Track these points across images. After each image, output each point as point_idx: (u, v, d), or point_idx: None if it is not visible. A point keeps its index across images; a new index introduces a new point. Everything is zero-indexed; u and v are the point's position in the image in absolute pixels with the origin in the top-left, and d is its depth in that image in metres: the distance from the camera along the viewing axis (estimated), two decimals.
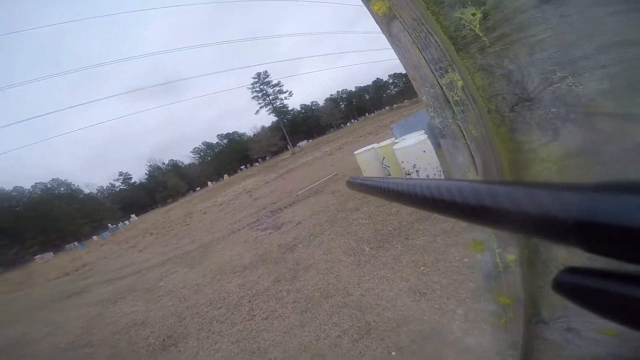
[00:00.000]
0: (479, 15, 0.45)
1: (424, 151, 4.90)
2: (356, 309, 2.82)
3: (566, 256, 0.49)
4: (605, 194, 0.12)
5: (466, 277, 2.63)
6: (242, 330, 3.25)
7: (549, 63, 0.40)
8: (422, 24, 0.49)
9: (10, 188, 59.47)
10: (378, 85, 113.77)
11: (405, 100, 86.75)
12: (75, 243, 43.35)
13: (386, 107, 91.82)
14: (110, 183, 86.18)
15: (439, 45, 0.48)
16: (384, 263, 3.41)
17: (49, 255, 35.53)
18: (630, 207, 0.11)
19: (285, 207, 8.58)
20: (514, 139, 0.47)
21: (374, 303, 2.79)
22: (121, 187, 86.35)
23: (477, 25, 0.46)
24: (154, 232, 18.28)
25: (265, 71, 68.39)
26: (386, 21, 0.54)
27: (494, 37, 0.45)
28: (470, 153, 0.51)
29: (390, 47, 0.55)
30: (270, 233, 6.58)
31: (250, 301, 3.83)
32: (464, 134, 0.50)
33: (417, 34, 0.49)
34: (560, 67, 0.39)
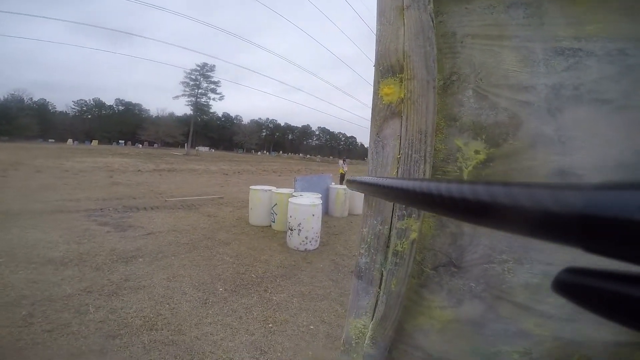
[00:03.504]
0: (482, 156, 0.42)
1: (313, 215, 5.10)
2: (186, 351, 2.47)
3: None
4: (607, 192, 0.12)
5: (307, 345, 2.70)
6: (3, 337, 2.43)
7: (504, 243, 0.40)
8: (425, 143, 0.43)
9: None
10: (305, 131, 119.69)
11: (318, 156, 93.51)
12: None
13: (300, 154, 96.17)
14: None
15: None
16: (234, 310, 3.17)
17: None
18: (631, 207, 0.11)
19: (145, 209, 7.29)
20: (418, 292, 0.48)
21: (209, 350, 2.52)
22: None
23: (470, 167, 0.42)
24: None
25: (213, 65, 64.27)
26: (385, 114, 0.47)
27: None
28: (376, 301, 0.49)
29: (370, 147, 0.51)
30: (109, 232, 5.34)
31: (33, 304, 2.96)
32: (382, 284, 0.48)
33: (410, 153, 0.44)
34: (511, 252, 0.40)
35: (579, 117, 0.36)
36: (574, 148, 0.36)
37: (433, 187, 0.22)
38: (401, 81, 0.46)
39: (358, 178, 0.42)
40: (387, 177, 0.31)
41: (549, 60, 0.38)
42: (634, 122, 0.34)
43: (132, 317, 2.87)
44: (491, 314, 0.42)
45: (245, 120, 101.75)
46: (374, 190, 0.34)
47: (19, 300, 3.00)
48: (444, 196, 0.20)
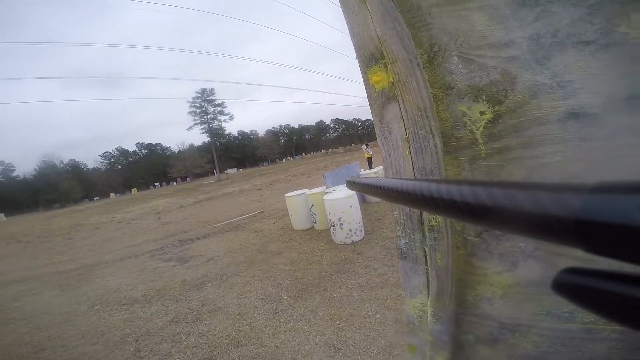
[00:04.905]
0: (488, 115, 0.41)
1: (351, 206, 5.08)
2: None
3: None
4: (606, 193, 0.12)
5: (378, 334, 2.73)
6: None
7: None
8: (427, 118, 0.43)
9: None
10: (320, 127, 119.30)
11: (340, 147, 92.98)
12: None
13: (322, 150, 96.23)
14: None
15: (436, 153, 0.43)
16: (302, 314, 3.30)
17: None
18: (631, 207, 0.11)
19: (198, 239, 7.79)
20: (469, 262, 0.47)
21: (290, 357, 2.66)
22: None
23: (481, 128, 0.42)
24: (23, 240, 15.35)
25: (212, 88, 65.72)
26: (382, 101, 0.48)
27: (493, 149, 0.41)
28: (427, 278, 0.49)
29: (376, 129, 0.51)
30: (174, 265, 5.86)
31: (137, 340, 3.38)
32: (428, 260, 0.48)
33: (416, 131, 0.44)
34: None
35: (568, 62, 0.35)
36: (576, 90, 0.35)
37: (433, 188, 0.22)
38: (386, 66, 0.46)
39: (357, 179, 0.43)
40: (385, 178, 0.32)
41: (517, 14, 0.37)
42: (620, 57, 0.32)
43: (219, 338, 3.14)
44: (552, 272, 0.40)
45: (261, 132, 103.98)
46: (373, 191, 0.34)
47: (124, 338, 3.48)
48: (444, 198, 0.20)
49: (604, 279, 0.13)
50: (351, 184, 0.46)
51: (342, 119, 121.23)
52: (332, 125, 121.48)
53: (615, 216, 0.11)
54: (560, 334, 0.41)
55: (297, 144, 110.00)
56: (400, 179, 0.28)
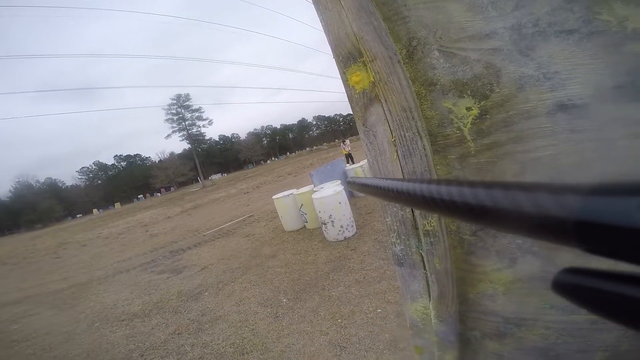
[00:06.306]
0: (475, 111, 0.40)
1: (340, 203, 5.07)
2: None
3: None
4: (606, 194, 0.12)
5: (381, 329, 2.73)
6: None
7: None
8: (413, 119, 0.41)
9: None
10: (302, 125, 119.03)
11: (324, 144, 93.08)
12: None
13: (307, 148, 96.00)
14: None
15: (425, 155, 0.42)
16: (303, 316, 3.29)
17: None
18: (631, 207, 0.11)
19: (189, 248, 7.66)
20: (467, 260, 0.46)
21: None
22: None
23: (469, 125, 0.40)
24: (9, 261, 15.43)
25: (187, 94, 64.12)
26: (364, 102, 0.46)
27: (483, 145, 0.40)
28: (427, 283, 0.48)
29: (361, 133, 0.49)
30: (169, 277, 5.76)
31: (142, 355, 3.34)
32: (426, 265, 0.46)
33: (402, 133, 0.42)
34: None
35: (553, 52, 0.33)
36: (562, 81, 0.34)
37: (434, 189, 0.21)
38: (365, 64, 0.44)
39: (358, 179, 0.42)
40: (385, 178, 0.30)
41: (495, 3, 0.35)
42: (604, 46, 0.32)
43: (223, 347, 3.11)
44: (552, 266, 0.40)
45: (243, 135, 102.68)
46: (372, 191, 0.33)
47: (129, 355, 3.42)
48: (445, 199, 0.20)
49: (604, 279, 0.13)
50: (351, 185, 0.44)
51: (324, 116, 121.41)
52: (314, 123, 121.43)
53: (615, 217, 0.11)
54: (567, 326, 0.41)
55: (280, 144, 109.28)
56: (402, 179, 0.27)
